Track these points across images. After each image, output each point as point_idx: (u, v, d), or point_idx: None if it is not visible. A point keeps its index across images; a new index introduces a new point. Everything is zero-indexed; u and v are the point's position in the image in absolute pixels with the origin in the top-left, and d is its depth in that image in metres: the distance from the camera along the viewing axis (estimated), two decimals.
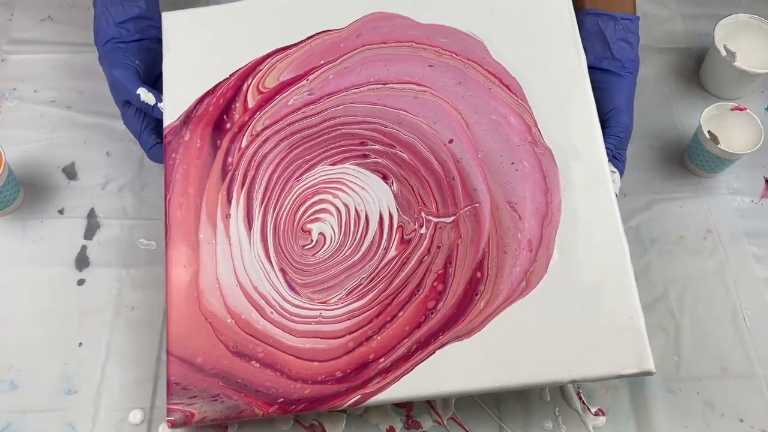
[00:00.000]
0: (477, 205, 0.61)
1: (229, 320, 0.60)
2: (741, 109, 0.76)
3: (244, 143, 0.65)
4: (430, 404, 0.66)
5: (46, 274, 0.71)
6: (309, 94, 0.66)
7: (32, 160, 0.77)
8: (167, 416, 0.58)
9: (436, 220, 0.61)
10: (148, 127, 0.69)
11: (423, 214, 0.61)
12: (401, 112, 0.64)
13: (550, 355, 0.57)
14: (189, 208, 0.63)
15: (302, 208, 0.63)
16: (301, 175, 0.64)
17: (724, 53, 0.79)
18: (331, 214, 0.62)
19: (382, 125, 0.64)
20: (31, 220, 0.74)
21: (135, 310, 0.69)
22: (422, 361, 0.57)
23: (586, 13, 0.69)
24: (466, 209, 0.61)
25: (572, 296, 0.58)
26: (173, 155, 0.65)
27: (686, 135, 0.81)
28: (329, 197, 0.63)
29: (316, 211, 0.63)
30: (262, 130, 0.65)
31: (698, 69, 0.86)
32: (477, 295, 0.58)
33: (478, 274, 0.59)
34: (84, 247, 0.72)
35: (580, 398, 0.66)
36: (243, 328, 0.60)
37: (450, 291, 0.59)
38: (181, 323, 0.60)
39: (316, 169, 0.64)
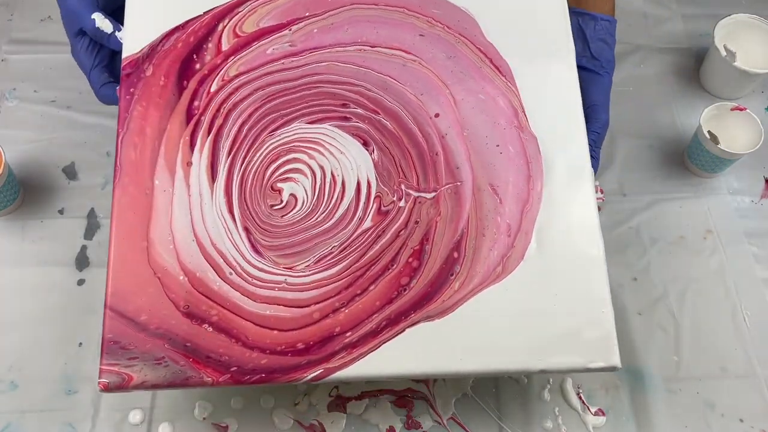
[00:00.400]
0: (459, 183, 0.58)
1: (181, 277, 0.55)
2: (741, 109, 0.76)
3: (213, 87, 0.60)
4: (430, 404, 0.66)
5: (46, 274, 0.71)
6: (290, 46, 0.61)
7: (32, 160, 0.77)
8: (99, 377, 0.54)
9: (416, 194, 0.58)
10: (101, 63, 0.64)
11: (403, 187, 0.58)
12: (388, 78, 0.61)
13: (521, 343, 0.55)
14: (145, 150, 0.58)
15: (273, 166, 0.59)
16: (274, 130, 0.59)
17: (724, 53, 0.79)
18: (305, 175, 0.58)
19: (366, 89, 0.61)
20: (31, 220, 0.74)
21: None
22: (390, 339, 0.55)
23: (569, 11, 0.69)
24: (447, 186, 0.58)
25: (546, 286, 0.56)
26: (131, 90, 0.59)
27: (686, 135, 0.81)
28: (304, 157, 0.59)
29: (288, 171, 0.59)
30: (236, 77, 0.60)
31: (698, 69, 0.86)
32: (452, 275, 0.56)
33: (455, 254, 0.57)
34: (84, 247, 0.72)
35: (580, 398, 0.66)
36: (197, 287, 0.55)
37: (425, 268, 0.56)
38: (125, 276, 0.55)
39: (291, 126, 0.60)
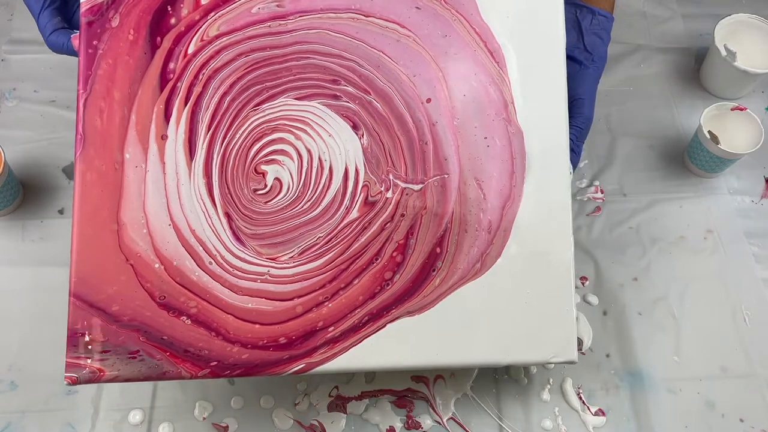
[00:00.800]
0: (446, 176, 0.56)
1: (157, 265, 0.52)
2: (741, 109, 0.76)
3: (191, 48, 0.54)
4: (430, 404, 0.66)
5: (46, 274, 0.71)
6: (277, 6, 0.56)
7: (32, 160, 0.77)
8: (66, 371, 0.51)
9: (403, 185, 0.56)
10: (53, 5, 0.59)
11: (391, 177, 0.56)
12: (381, 54, 0.57)
13: (492, 339, 0.55)
14: (112, 117, 0.52)
15: (258, 145, 0.54)
16: (259, 104, 0.55)
17: (724, 53, 0.79)
18: (291, 158, 0.55)
19: (359, 65, 0.56)
20: (31, 220, 0.74)
21: None
22: (372, 335, 0.54)
23: (566, 2, 0.68)
24: (434, 178, 0.56)
25: (520, 283, 0.56)
26: (94, 42, 0.53)
27: (686, 135, 0.81)
28: (291, 138, 0.55)
29: (273, 152, 0.55)
30: (216, 38, 0.55)
31: (698, 69, 0.86)
32: (434, 271, 0.55)
33: (438, 250, 0.56)
34: None
35: (580, 398, 0.66)
36: (174, 276, 0.52)
37: (408, 263, 0.55)
38: (93, 261, 0.51)
39: (277, 101, 0.55)
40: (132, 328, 0.51)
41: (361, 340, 0.54)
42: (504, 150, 0.58)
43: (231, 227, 0.53)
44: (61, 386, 0.65)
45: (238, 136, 0.54)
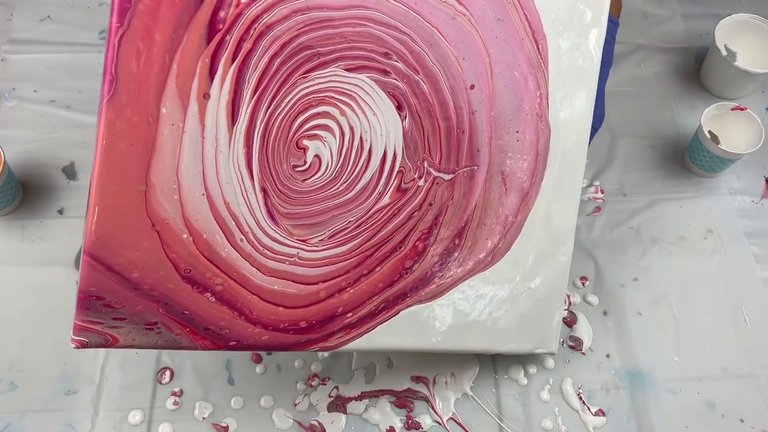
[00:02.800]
0: (476, 167, 0.55)
1: (185, 236, 0.48)
2: (741, 109, 0.76)
3: None
4: (430, 404, 0.66)
5: (46, 274, 0.71)
6: None
7: (32, 160, 0.77)
8: (73, 334, 0.47)
9: (436, 173, 0.54)
10: None
11: (425, 164, 0.54)
12: (435, 31, 0.54)
13: (489, 328, 0.57)
14: (151, 63, 0.46)
15: (302, 117, 0.51)
16: (309, 71, 0.50)
17: (724, 53, 0.79)
18: (333, 134, 0.52)
19: (412, 40, 0.53)
20: (31, 220, 0.74)
21: None
22: (385, 321, 0.54)
23: None
24: (465, 169, 0.55)
25: (522, 278, 0.58)
26: None
27: (687, 135, 0.81)
28: (336, 113, 0.52)
29: (317, 126, 0.51)
30: None
31: (699, 69, 0.86)
32: (450, 261, 0.56)
33: (456, 241, 0.56)
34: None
35: (581, 398, 0.66)
36: (202, 250, 0.48)
37: (428, 253, 0.55)
38: (115, 222, 0.46)
39: (327, 70, 0.51)
40: (152, 298, 0.48)
41: (374, 327, 0.54)
42: (532, 146, 0.57)
43: (266, 204, 0.50)
44: (61, 386, 0.65)
45: (284, 104, 0.50)
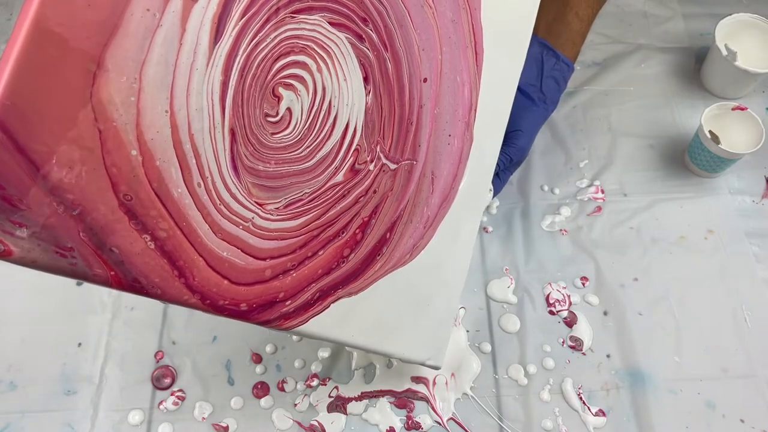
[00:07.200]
0: (414, 162, 0.55)
1: (134, 152, 0.39)
2: (742, 109, 0.75)
3: None
4: (430, 404, 0.65)
5: (46, 275, 0.70)
6: None
7: None
8: None
9: (384, 160, 0.53)
10: None
11: (378, 148, 0.52)
12: (407, 13, 0.53)
13: (396, 328, 0.57)
14: None
15: (282, 62, 0.46)
16: (298, 11, 0.46)
17: (725, 53, 0.79)
18: (307, 90, 0.48)
19: (387, 14, 0.52)
20: None
21: (134, 310, 0.69)
22: (317, 315, 0.51)
23: (537, 41, 0.69)
24: (406, 162, 0.54)
25: (428, 281, 0.58)
26: None
27: (687, 135, 0.81)
28: (313, 66, 0.48)
29: (294, 76, 0.47)
30: None
31: (699, 68, 0.86)
32: (379, 255, 0.55)
33: (387, 235, 0.55)
34: None
35: (581, 399, 0.66)
36: (152, 179, 0.40)
37: (364, 243, 0.53)
38: (45, 89, 0.35)
39: (314, 17, 0.47)
40: (73, 214, 0.37)
41: (307, 320, 0.51)
42: (457, 152, 0.58)
43: (232, 150, 0.44)
44: (61, 386, 0.65)
45: (268, 41, 0.45)
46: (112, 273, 0.39)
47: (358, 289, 0.55)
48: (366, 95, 0.52)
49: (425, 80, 0.55)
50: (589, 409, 0.65)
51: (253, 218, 0.46)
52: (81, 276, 0.39)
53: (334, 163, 0.51)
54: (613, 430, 0.65)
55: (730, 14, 0.81)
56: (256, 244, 0.47)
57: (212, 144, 0.42)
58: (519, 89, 0.66)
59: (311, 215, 0.50)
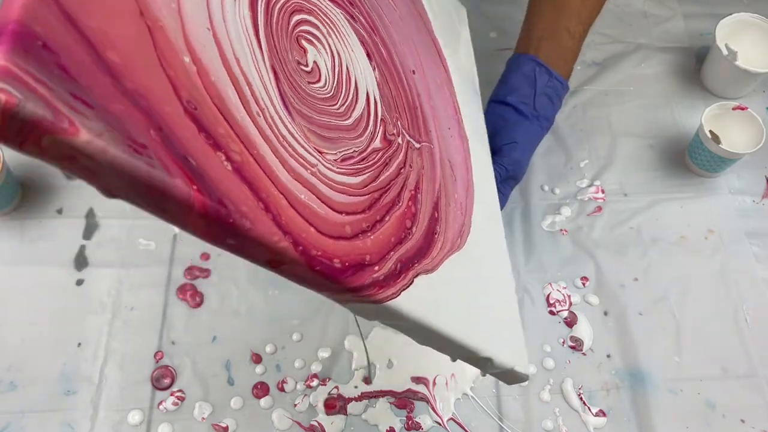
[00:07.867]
0: (432, 147, 0.53)
1: (187, 59, 0.33)
2: (742, 109, 0.75)
3: None
4: (430, 404, 0.65)
5: (45, 274, 0.71)
6: None
7: (31, 159, 0.76)
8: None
9: (408, 137, 0.50)
10: None
11: (399, 124, 0.50)
12: (381, 10, 0.52)
13: (478, 322, 0.50)
14: None
15: (297, 17, 0.43)
16: None
17: (725, 52, 0.79)
18: (325, 49, 0.45)
19: (365, 4, 0.50)
20: (30, 220, 0.73)
21: (134, 310, 0.69)
22: (406, 288, 0.45)
23: (529, 58, 0.68)
24: (425, 144, 0.52)
25: (485, 274, 0.55)
26: None
27: (687, 135, 0.81)
28: (324, 29, 0.45)
29: (309, 33, 0.44)
30: None
31: (699, 68, 0.86)
32: (436, 234, 0.50)
33: (436, 214, 0.51)
34: (83, 247, 0.72)
35: (581, 399, 0.66)
36: (212, 95, 0.34)
37: (420, 217, 0.49)
38: None
39: None
40: (138, 106, 0.30)
41: (399, 292, 0.45)
42: (460, 146, 0.57)
43: (279, 88, 0.39)
44: (60, 386, 0.65)
45: None
46: (195, 187, 0.31)
47: (432, 266, 0.49)
48: (373, 70, 0.49)
49: (414, 72, 0.54)
50: (590, 409, 0.65)
51: (317, 165, 0.41)
52: (159, 186, 0.30)
53: (369, 128, 0.47)
54: (613, 430, 0.65)
55: (731, 14, 0.81)
56: (327, 193, 0.41)
57: (259, 75, 0.38)
58: (512, 107, 0.66)
59: (367, 175, 0.46)
